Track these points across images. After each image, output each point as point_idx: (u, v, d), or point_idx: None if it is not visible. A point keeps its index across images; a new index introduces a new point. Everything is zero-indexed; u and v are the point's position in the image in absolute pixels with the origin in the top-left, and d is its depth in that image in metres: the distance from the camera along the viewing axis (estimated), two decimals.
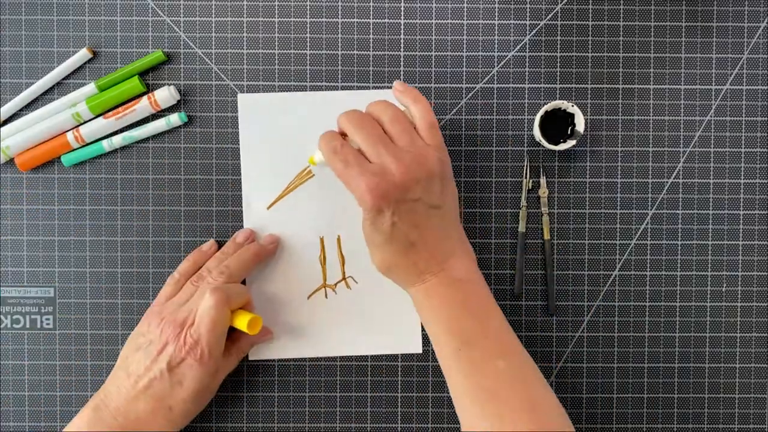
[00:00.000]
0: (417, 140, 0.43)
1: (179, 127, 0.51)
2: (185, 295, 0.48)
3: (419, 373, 0.52)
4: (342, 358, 0.52)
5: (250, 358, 0.52)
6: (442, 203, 0.44)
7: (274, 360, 0.52)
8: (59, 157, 0.51)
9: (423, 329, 0.52)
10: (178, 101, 0.51)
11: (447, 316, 0.43)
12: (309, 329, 0.52)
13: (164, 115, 0.51)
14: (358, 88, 0.52)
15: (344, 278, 0.52)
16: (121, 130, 0.51)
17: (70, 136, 0.50)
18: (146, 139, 0.52)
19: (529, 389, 0.42)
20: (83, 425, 0.44)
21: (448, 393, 0.52)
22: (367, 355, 0.52)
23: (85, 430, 0.44)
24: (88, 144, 0.51)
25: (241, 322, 0.46)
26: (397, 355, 0.52)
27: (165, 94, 0.50)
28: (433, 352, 0.52)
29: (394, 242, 0.43)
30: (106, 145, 0.51)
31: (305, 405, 0.52)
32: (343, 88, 0.52)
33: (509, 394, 0.41)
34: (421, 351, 0.52)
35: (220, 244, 0.52)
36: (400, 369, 0.52)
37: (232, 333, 0.48)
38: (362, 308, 0.52)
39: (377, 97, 0.50)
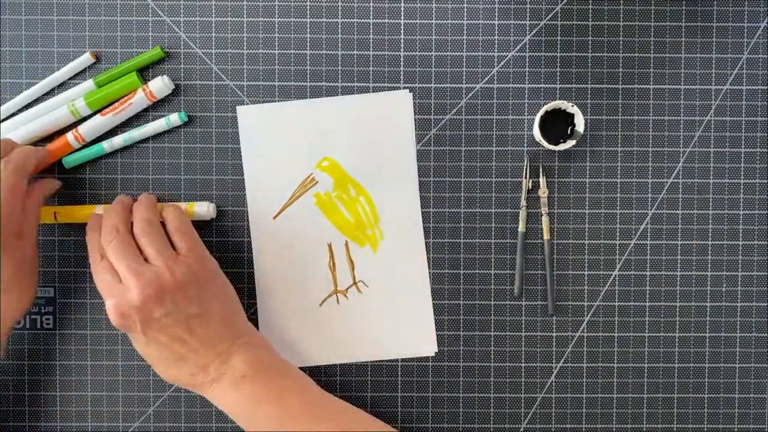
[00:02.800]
0: (164, 251, 0.44)
1: (179, 127, 0.51)
2: None
3: (419, 373, 0.52)
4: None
5: None
6: (202, 311, 0.44)
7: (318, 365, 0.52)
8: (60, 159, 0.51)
9: (438, 329, 0.52)
10: (177, 97, 0.51)
11: (246, 414, 0.44)
12: (322, 336, 0.51)
13: (164, 115, 0.51)
14: (358, 88, 0.52)
15: (355, 283, 0.52)
16: (121, 130, 0.51)
17: (70, 137, 0.50)
18: (146, 140, 0.51)
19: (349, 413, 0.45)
20: None
21: (448, 393, 0.52)
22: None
23: None
24: (88, 144, 0.51)
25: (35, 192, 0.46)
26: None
27: (159, 84, 0.50)
28: (438, 352, 0.52)
29: (161, 358, 0.44)
30: (107, 146, 0.51)
31: None
32: (343, 88, 0.52)
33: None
34: (434, 353, 0.52)
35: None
36: (400, 369, 0.52)
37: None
38: (375, 312, 0.52)
39: (372, 102, 0.51)
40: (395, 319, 0.52)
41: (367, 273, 0.52)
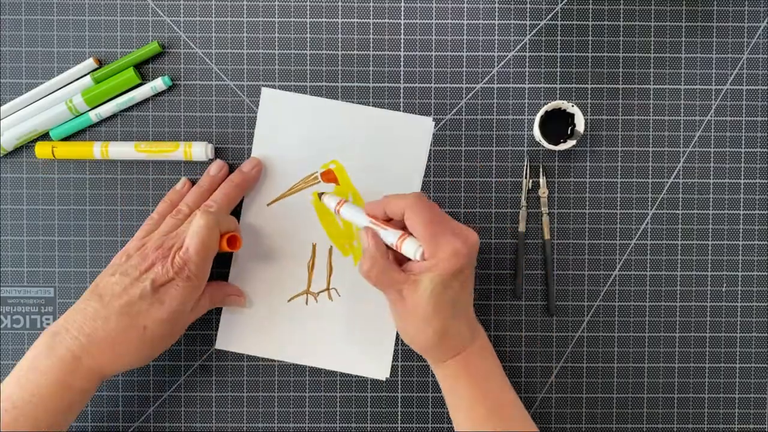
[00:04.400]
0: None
1: (180, 128, 0.51)
2: (167, 228, 0.47)
3: (419, 373, 0.52)
4: (312, 374, 0.52)
5: (217, 347, 0.51)
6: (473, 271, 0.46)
7: (274, 360, 0.52)
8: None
9: (395, 359, 0.51)
10: (177, 97, 0.51)
11: (481, 386, 0.45)
12: (282, 332, 0.51)
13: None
14: (358, 88, 0.52)
15: (328, 288, 0.52)
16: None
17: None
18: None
19: None
20: (41, 349, 0.42)
21: None
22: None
23: (44, 355, 0.41)
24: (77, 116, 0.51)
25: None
26: (398, 354, 0.52)
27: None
28: (387, 378, 0.52)
29: (453, 308, 0.44)
30: (94, 116, 0.51)
31: (305, 405, 0.52)
32: (343, 88, 0.52)
33: None
34: (385, 379, 0.52)
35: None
36: (400, 369, 0.52)
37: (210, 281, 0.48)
38: (339, 322, 0.51)
39: (397, 121, 0.51)
40: (358, 335, 0.51)
41: (343, 282, 0.51)
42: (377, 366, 0.52)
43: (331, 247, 0.52)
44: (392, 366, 0.52)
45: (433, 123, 0.51)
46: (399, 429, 0.52)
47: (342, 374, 0.52)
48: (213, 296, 0.49)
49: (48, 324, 0.52)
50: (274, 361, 0.52)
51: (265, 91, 0.51)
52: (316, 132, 0.51)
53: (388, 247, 0.45)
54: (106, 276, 0.45)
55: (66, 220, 0.52)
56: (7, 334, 0.52)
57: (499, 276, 0.52)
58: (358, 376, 0.52)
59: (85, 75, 0.51)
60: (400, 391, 0.52)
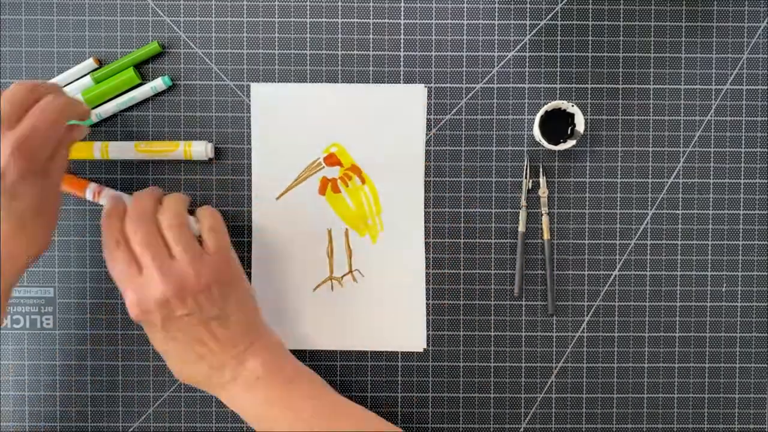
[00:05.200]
0: (191, 248, 0.43)
1: (180, 128, 0.52)
2: None
3: (419, 373, 0.52)
4: (342, 358, 0.52)
5: None
6: (222, 312, 0.43)
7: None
8: None
9: (427, 328, 0.52)
10: (177, 97, 0.51)
11: (258, 417, 0.44)
12: (314, 321, 0.52)
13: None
14: None
15: (351, 271, 0.52)
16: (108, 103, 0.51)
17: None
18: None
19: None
20: None
21: (448, 393, 0.52)
22: (367, 355, 0.52)
23: None
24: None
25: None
26: (397, 355, 0.52)
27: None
28: (434, 352, 0.52)
29: (179, 357, 0.44)
30: (94, 116, 0.51)
31: None
32: None
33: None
34: (422, 350, 0.52)
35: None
36: (400, 369, 0.52)
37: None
38: (368, 303, 0.52)
39: (389, 93, 0.51)
40: (387, 311, 0.52)
41: (364, 263, 0.52)
42: (412, 338, 0.52)
43: (347, 229, 0.52)
44: (392, 366, 0.52)
45: (426, 90, 0.51)
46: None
47: (342, 374, 0.52)
48: (63, 140, 0.43)
49: (48, 324, 0.52)
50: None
51: (254, 86, 0.51)
52: (312, 118, 0.51)
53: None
54: None
55: (66, 220, 0.52)
56: (7, 334, 0.52)
57: (499, 276, 0.52)
58: (358, 376, 0.52)
59: (85, 75, 0.51)
60: (400, 391, 0.52)
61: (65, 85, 0.51)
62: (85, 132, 0.45)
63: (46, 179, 0.41)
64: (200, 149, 0.50)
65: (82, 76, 0.51)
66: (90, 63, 0.51)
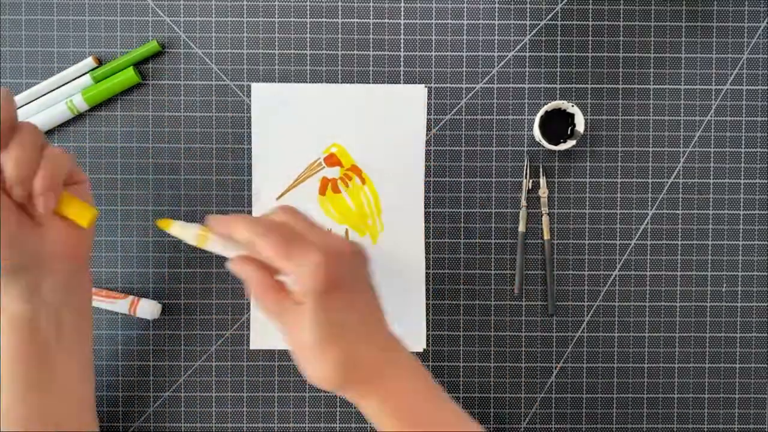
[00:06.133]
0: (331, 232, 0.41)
1: (180, 127, 0.52)
2: None
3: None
4: None
5: (252, 347, 0.52)
6: (374, 288, 0.41)
7: (274, 361, 0.52)
8: None
9: (428, 328, 0.52)
10: (177, 97, 0.51)
11: (414, 415, 0.38)
12: None
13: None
14: None
15: None
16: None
17: None
18: (146, 140, 0.52)
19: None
20: None
21: (448, 393, 0.52)
22: None
23: None
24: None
25: (71, 208, 0.39)
26: None
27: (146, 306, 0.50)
28: (434, 352, 0.52)
29: (350, 332, 0.37)
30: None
31: (305, 405, 0.52)
32: None
33: None
34: (422, 350, 0.52)
35: None
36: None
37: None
38: None
39: (389, 93, 0.51)
40: (387, 311, 0.51)
41: None
42: (413, 338, 0.52)
43: (347, 229, 0.52)
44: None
45: (426, 90, 0.51)
46: None
47: None
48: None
49: None
50: (274, 360, 0.52)
51: (255, 86, 0.51)
52: (312, 118, 0.51)
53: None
54: None
55: None
56: None
57: (499, 276, 0.52)
58: None
59: (85, 74, 0.51)
60: None
61: (64, 84, 0.51)
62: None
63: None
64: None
65: (81, 75, 0.51)
66: (89, 62, 0.51)
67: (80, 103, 0.50)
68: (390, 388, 0.38)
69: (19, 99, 0.51)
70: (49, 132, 0.51)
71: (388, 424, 0.38)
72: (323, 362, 0.37)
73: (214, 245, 0.40)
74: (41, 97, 0.51)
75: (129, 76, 0.50)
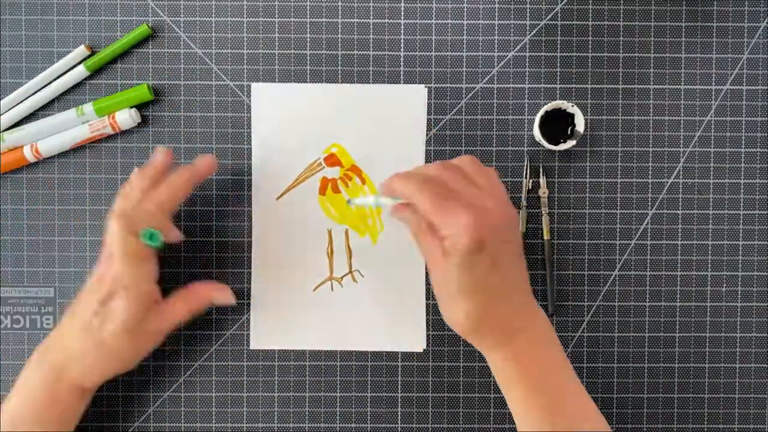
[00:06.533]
0: (498, 185, 0.42)
1: (180, 127, 0.52)
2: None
3: (419, 373, 0.52)
4: (342, 358, 0.52)
5: (252, 347, 0.52)
6: (521, 252, 0.43)
7: (274, 361, 0.52)
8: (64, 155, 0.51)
9: (428, 328, 0.52)
10: (177, 97, 0.51)
11: (536, 383, 0.41)
12: (314, 321, 0.52)
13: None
14: None
15: (351, 271, 0.52)
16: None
17: (27, 151, 0.50)
18: (147, 140, 0.52)
19: None
20: (33, 363, 0.44)
21: (448, 393, 0.52)
22: (367, 355, 0.52)
23: (34, 369, 0.44)
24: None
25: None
26: (397, 355, 0.52)
27: (125, 116, 0.50)
28: (434, 352, 0.52)
29: (490, 290, 0.40)
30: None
31: (305, 405, 0.52)
32: None
33: None
34: (422, 350, 0.52)
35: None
36: (400, 369, 0.52)
37: (187, 287, 0.48)
38: (368, 303, 0.52)
39: (389, 93, 0.51)
40: (387, 312, 0.52)
41: (364, 263, 0.52)
42: (412, 338, 0.52)
43: (347, 229, 0.52)
44: (392, 366, 0.52)
45: (426, 90, 0.51)
46: (399, 429, 0.52)
47: (342, 374, 0.52)
48: (188, 301, 0.47)
49: (48, 324, 0.52)
50: (274, 361, 0.52)
51: (254, 86, 0.51)
52: (312, 118, 0.51)
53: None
54: (83, 289, 0.45)
55: (66, 220, 0.52)
56: (7, 334, 0.52)
57: None
58: (358, 376, 0.52)
59: (78, 64, 0.51)
60: (399, 391, 0.52)
61: (59, 76, 0.51)
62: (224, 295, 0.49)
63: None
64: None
65: (74, 66, 0.51)
66: (82, 50, 0.51)
67: (90, 113, 0.51)
68: (517, 350, 0.41)
69: (16, 95, 0.51)
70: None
71: (509, 384, 0.42)
72: (458, 311, 0.41)
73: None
74: (38, 92, 0.51)
75: (142, 92, 0.50)
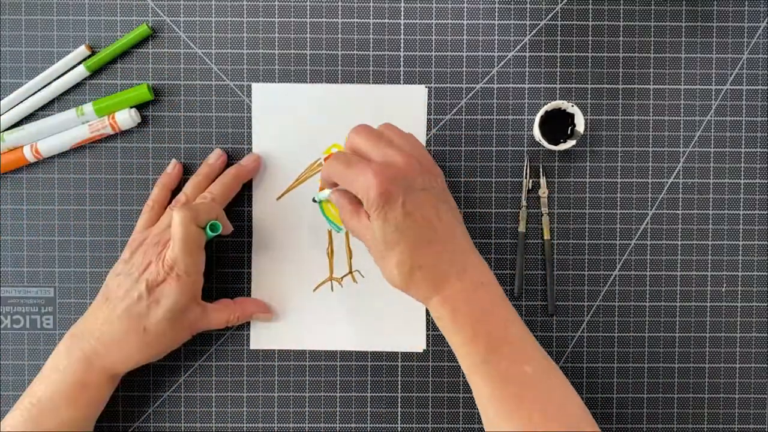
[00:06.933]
0: (417, 143, 0.45)
1: (180, 127, 0.52)
2: (167, 219, 0.48)
3: (419, 373, 0.52)
4: (342, 358, 0.52)
5: (252, 347, 0.52)
6: (448, 199, 0.44)
7: (274, 361, 0.52)
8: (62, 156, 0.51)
9: (427, 328, 0.52)
10: (177, 97, 0.51)
11: (473, 325, 0.41)
12: (313, 321, 0.52)
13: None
14: None
15: (351, 272, 0.52)
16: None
17: (27, 151, 0.50)
18: (146, 140, 0.52)
19: (556, 392, 0.41)
20: (62, 351, 0.45)
21: (448, 393, 0.52)
22: (367, 355, 0.52)
23: (63, 356, 0.45)
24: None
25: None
26: (397, 355, 0.52)
27: (125, 116, 0.50)
28: (434, 352, 0.52)
29: (411, 236, 0.41)
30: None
31: (305, 405, 0.52)
32: None
33: (536, 398, 0.40)
34: (422, 350, 0.52)
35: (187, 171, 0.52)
36: (400, 369, 0.52)
37: (236, 299, 0.50)
38: (368, 303, 0.52)
39: (390, 93, 0.51)
40: (387, 312, 0.52)
41: (364, 263, 0.52)
42: (412, 339, 0.52)
43: (347, 230, 0.52)
44: (392, 366, 0.52)
45: (427, 90, 0.51)
46: (399, 429, 0.52)
47: (342, 374, 0.52)
48: (230, 310, 0.49)
49: (48, 324, 0.52)
50: (274, 361, 0.52)
51: (255, 86, 0.51)
52: (312, 119, 0.52)
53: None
54: (113, 276, 0.47)
55: (66, 220, 0.52)
56: (7, 334, 0.52)
57: (499, 276, 0.52)
58: (358, 376, 0.52)
59: (78, 64, 0.51)
60: (399, 391, 0.52)
61: (59, 76, 0.51)
62: (267, 314, 0.51)
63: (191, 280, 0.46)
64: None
65: (74, 66, 0.51)
66: (82, 50, 0.51)
67: (90, 113, 0.50)
68: (449, 295, 0.41)
69: (16, 95, 0.51)
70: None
71: (447, 331, 0.42)
72: (390, 267, 0.42)
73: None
74: (38, 92, 0.51)
75: (142, 92, 0.50)
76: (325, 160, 0.52)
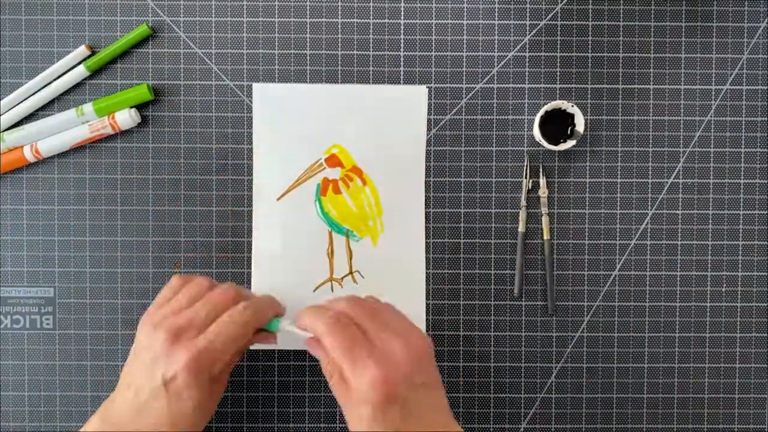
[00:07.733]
0: (402, 319, 0.43)
1: (179, 127, 0.52)
2: (184, 299, 0.43)
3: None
4: None
5: (252, 347, 0.52)
6: (437, 382, 0.42)
7: (274, 361, 0.52)
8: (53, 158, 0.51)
9: (427, 329, 0.52)
10: (177, 97, 0.51)
11: None
12: None
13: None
14: None
15: (351, 272, 0.52)
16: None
17: (27, 151, 0.50)
18: (146, 140, 0.52)
19: None
20: None
21: (448, 393, 0.52)
22: None
23: None
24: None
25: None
26: None
27: (125, 116, 0.50)
28: (434, 351, 0.52)
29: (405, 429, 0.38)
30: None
31: (305, 405, 0.52)
32: None
33: None
34: None
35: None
36: None
37: None
38: None
39: (391, 93, 0.51)
40: None
41: (364, 264, 0.52)
42: None
43: (348, 230, 0.52)
44: None
45: (427, 90, 0.51)
46: None
47: None
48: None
49: (48, 324, 0.52)
50: (274, 361, 0.52)
51: (256, 87, 0.51)
52: (313, 119, 0.51)
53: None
54: (131, 358, 0.43)
55: (66, 220, 0.52)
56: (7, 334, 0.52)
57: (499, 276, 0.52)
58: None
59: (78, 64, 0.51)
60: None
61: (59, 76, 0.51)
62: (273, 339, 0.45)
63: (215, 384, 0.42)
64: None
65: (74, 66, 0.51)
66: (82, 50, 0.51)
67: (90, 113, 0.50)
68: None
69: (16, 95, 0.51)
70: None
71: None
72: None
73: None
74: (38, 92, 0.51)
75: (142, 92, 0.50)
76: (326, 161, 0.51)
